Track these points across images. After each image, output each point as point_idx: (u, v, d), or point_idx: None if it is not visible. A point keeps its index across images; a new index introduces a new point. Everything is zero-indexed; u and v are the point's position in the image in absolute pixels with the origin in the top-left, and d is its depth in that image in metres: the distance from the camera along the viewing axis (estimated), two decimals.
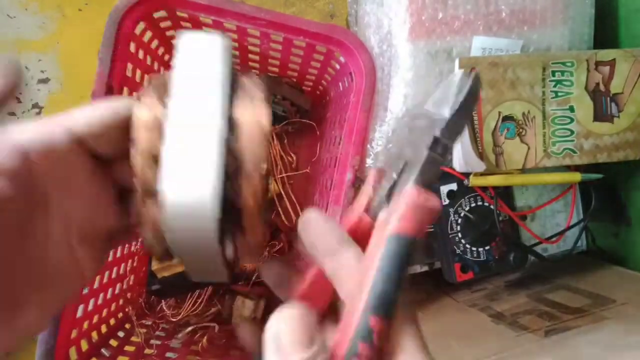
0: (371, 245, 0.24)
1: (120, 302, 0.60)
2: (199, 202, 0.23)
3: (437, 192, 0.57)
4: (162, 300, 0.68)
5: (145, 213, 0.24)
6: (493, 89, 0.53)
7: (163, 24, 0.53)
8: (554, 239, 0.59)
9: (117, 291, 0.59)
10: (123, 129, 0.25)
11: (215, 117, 0.24)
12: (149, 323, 0.64)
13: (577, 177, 0.57)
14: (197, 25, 0.52)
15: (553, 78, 0.54)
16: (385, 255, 0.23)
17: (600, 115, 0.55)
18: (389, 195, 0.26)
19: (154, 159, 0.24)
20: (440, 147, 0.24)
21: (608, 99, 0.55)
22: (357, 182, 0.46)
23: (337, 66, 0.55)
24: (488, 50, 0.55)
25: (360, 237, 0.26)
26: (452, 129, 0.24)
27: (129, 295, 0.63)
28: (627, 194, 0.62)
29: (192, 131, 0.24)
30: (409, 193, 0.23)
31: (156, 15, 0.50)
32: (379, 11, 0.56)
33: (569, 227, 0.59)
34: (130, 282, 0.63)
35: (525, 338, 0.49)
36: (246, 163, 0.25)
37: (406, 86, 0.55)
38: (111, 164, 0.27)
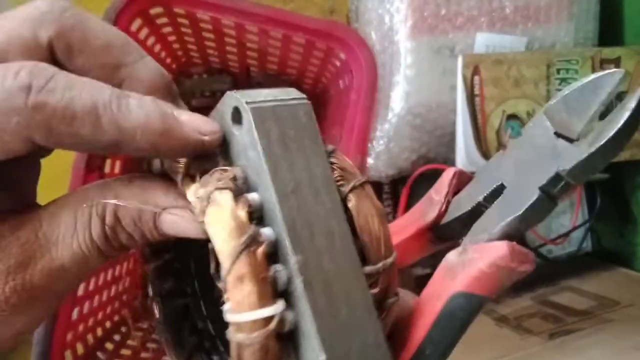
0: (432, 286, 0.19)
1: (116, 304, 0.59)
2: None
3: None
4: None
5: None
6: (497, 87, 0.53)
7: (160, 21, 0.52)
8: (558, 240, 0.58)
9: (112, 293, 0.58)
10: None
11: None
12: (145, 326, 0.63)
13: None
14: (195, 22, 0.52)
15: (558, 76, 0.54)
16: (446, 313, 0.18)
17: (606, 114, 0.54)
18: (467, 220, 0.20)
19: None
20: (559, 188, 0.17)
21: (613, 97, 0.55)
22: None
23: (338, 63, 0.54)
24: (492, 47, 0.54)
25: (416, 253, 0.22)
26: (588, 166, 0.17)
27: (124, 297, 0.62)
28: (633, 194, 0.61)
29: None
30: (499, 251, 0.17)
31: (153, 11, 0.50)
32: (381, 7, 0.55)
33: (575, 228, 0.59)
34: (126, 284, 0.63)
35: (530, 341, 0.49)
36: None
37: (408, 84, 0.54)
38: None
